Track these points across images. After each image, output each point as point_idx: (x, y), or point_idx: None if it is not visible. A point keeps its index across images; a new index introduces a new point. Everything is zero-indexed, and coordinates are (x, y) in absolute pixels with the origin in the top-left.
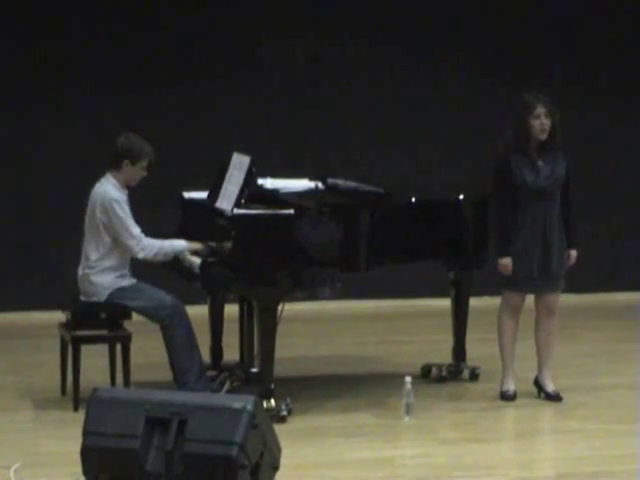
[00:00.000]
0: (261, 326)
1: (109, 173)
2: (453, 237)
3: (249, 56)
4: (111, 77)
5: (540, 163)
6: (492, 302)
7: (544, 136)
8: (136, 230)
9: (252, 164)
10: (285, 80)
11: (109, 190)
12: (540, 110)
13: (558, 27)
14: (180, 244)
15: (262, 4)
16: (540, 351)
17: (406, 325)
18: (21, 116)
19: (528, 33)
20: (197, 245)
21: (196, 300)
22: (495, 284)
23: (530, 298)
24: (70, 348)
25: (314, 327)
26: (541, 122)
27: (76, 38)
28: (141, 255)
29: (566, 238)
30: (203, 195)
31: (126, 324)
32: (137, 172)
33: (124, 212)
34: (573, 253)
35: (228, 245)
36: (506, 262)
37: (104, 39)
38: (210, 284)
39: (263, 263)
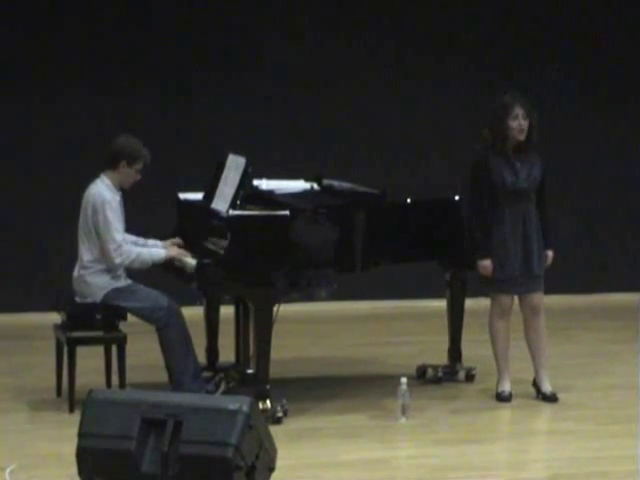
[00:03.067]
0: (257, 327)
1: (104, 174)
2: (449, 238)
3: (248, 56)
4: (110, 77)
5: (518, 164)
6: (488, 303)
7: (522, 137)
8: (118, 236)
9: (248, 165)
10: (283, 80)
11: (102, 191)
12: (518, 111)
13: (558, 27)
14: (159, 253)
15: (263, 5)
16: (532, 352)
17: (401, 326)
18: (21, 116)
19: (528, 33)
20: (173, 251)
21: (192, 301)
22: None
23: (516, 300)
24: (65, 349)
25: (310, 328)
26: (519, 123)
27: (75, 38)
28: (117, 261)
29: (543, 239)
30: (199, 196)
31: (121, 325)
32: (132, 174)
33: (112, 215)
34: (550, 254)
35: (191, 263)
36: (486, 264)
37: (103, 39)
38: (206, 285)
39: (259, 264)
